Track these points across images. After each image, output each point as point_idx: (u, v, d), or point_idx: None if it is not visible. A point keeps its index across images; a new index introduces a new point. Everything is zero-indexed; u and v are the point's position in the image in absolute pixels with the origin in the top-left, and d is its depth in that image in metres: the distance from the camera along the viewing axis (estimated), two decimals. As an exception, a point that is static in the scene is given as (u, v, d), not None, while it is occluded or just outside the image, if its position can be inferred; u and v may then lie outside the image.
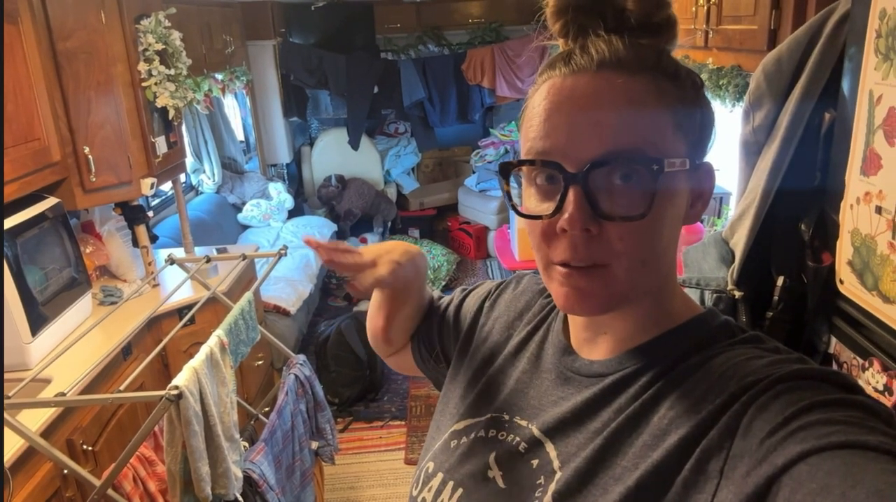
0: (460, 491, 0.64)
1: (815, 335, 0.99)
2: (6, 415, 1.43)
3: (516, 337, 0.73)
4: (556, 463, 0.59)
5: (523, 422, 0.64)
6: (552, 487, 0.57)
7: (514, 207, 0.60)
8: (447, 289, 4.91)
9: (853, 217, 0.88)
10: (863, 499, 0.38)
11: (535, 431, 0.62)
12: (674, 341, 0.59)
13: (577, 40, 0.58)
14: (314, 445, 2.34)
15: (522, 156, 0.58)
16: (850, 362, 0.92)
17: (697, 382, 0.54)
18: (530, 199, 0.58)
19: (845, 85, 0.93)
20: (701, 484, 0.49)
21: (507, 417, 0.66)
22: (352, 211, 5.27)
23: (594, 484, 0.55)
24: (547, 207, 0.55)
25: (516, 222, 3.74)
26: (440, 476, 0.67)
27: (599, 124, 0.53)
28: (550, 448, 0.61)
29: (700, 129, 0.57)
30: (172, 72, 2.65)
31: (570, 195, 0.53)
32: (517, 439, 0.64)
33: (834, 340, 0.97)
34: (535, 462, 0.61)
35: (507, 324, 0.76)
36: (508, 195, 0.60)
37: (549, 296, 0.75)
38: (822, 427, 0.44)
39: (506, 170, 0.59)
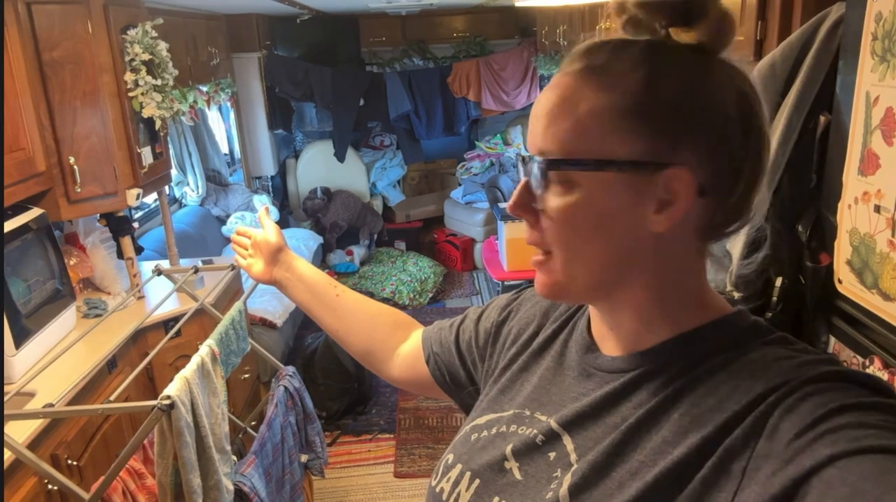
0: (477, 481, 0.65)
1: (814, 335, 1.00)
2: (-9, 428, 1.39)
3: (541, 335, 0.74)
4: (573, 456, 0.59)
5: (543, 418, 0.65)
6: (568, 479, 0.57)
7: None
8: (434, 301, 4.90)
9: (851, 216, 0.89)
10: None
11: (553, 424, 0.63)
12: (699, 339, 0.58)
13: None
14: (304, 458, 2.31)
15: None
16: (850, 361, 0.93)
17: (723, 381, 0.54)
18: None
19: (840, 87, 0.94)
20: (722, 483, 0.48)
21: (528, 413, 0.67)
22: (338, 223, 5.25)
23: (610, 478, 0.54)
24: None
25: (505, 233, 3.75)
26: (459, 467, 0.68)
27: (538, 122, 0.59)
28: (568, 440, 0.61)
29: (663, 133, 0.54)
30: (159, 82, 2.63)
31: (519, 185, 0.61)
32: (534, 431, 0.64)
33: (833, 340, 0.98)
34: (552, 454, 0.61)
35: (530, 322, 0.77)
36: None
37: None
38: (853, 430, 0.44)
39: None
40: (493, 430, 0.68)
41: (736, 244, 1.11)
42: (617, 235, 0.57)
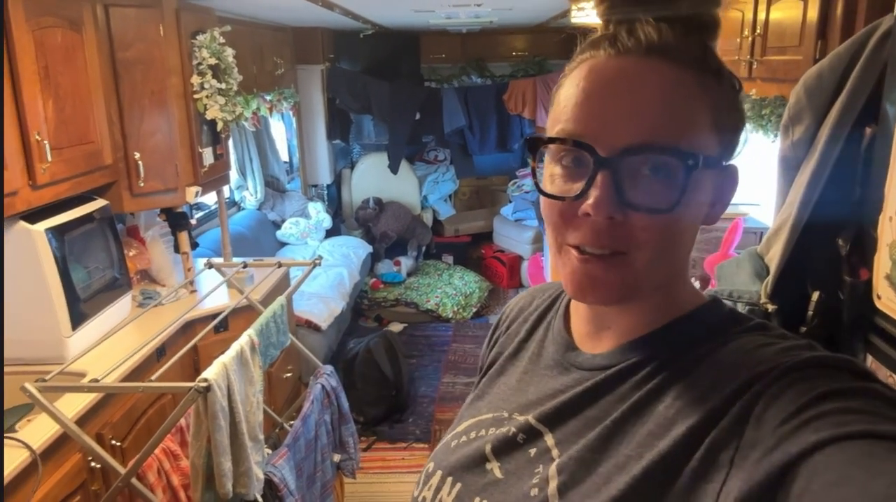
0: (459, 485, 0.63)
1: (849, 351, 0.96)
2: (42, 399, 1.47)
3: (516, 337, 0.74)
4: (555, 452, 0.58)
5: (521, 417, 0.64)
6: (554, 476, 0.56)
7: (537, 184, 0.60)
8: (478, 316, 4.89)
9: (892, 229, 0.86)
10: (883, 491, 0.37)
11: (532, 421, 0.62)
12: (679, 330, 0.58)
13: (620, 25, 0.57)
14: (336, 458, 2.34)
15: (552, 135, 0.57)
16: (886, 379, 0.89)
17: (706, 371, 0.53)
18: (554, 179, 0.57)
19: (886, 98, 0.92)
20: (710, 473, 0.48)
21: (506, 415, 0.66)
22: (387, 233, 5.32)
23: (597, 473, 0.54)
24: (571, 189, 0.55)
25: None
26: (439, 473, 0.66)
27: (640, 111, 0.52)
28: (548, 436, 0.60)
29: (732, 131, 0.57)
30: (223, 86, 2.75)
31: (599, 180, 0.52)
32: (513, 429, 0.63)
33: (869, 357, 0.94)
34: (532, 450, 0.60)
35: (506, 329, 0.77)
36: (534, 172, 0.60)
37: (547, 293, 0.75)
38: (838, 415, 0.43)
39: (534, 146, 0.58)
40: (472, 435, 0.67)
41: (774, 257, 1.09)
42: (694, 231, 0.58)
